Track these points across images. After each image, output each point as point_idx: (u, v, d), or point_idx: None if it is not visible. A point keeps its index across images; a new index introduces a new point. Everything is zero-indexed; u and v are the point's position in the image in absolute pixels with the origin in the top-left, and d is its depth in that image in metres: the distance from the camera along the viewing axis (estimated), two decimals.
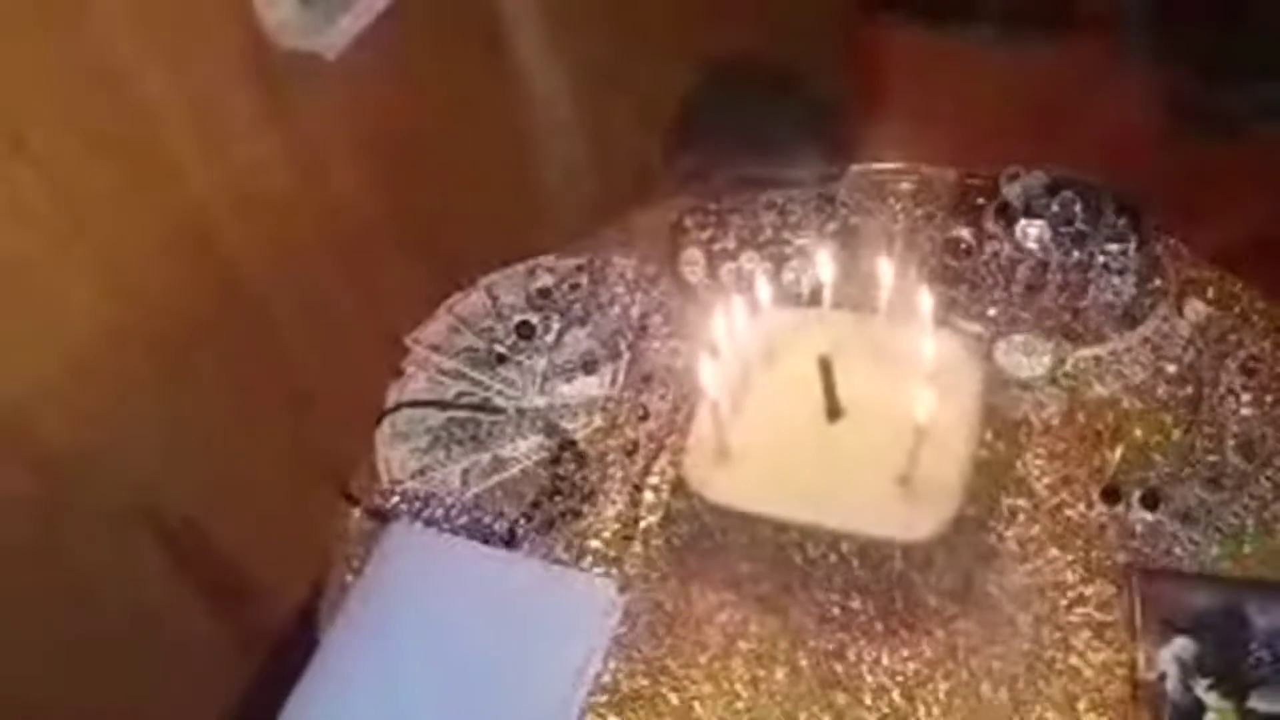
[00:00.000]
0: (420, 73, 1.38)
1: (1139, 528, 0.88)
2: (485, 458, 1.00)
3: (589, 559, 0.93)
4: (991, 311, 1.01)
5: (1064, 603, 0.85)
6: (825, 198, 1.09)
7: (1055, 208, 1.01)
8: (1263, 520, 0.87)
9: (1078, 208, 1.01)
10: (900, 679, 0.84)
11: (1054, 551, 0.88)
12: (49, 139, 1.02)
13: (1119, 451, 0.92)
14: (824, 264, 0.95)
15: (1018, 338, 0.98)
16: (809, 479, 0.89)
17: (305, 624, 0.96)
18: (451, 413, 1.03)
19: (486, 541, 0.95)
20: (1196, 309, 0.99)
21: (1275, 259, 1.12)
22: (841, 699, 0.83)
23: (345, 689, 0.89)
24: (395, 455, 1.01)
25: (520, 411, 1.02)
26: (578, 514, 0.95)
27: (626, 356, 1.04)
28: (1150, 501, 0.89)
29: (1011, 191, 1.03)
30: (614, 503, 0.96)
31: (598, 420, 1.01)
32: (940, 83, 1.62)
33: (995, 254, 1.02)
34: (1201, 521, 0.87)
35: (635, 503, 0.95)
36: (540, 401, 1.02)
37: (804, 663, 0.85)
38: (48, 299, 1.08)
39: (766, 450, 0.91)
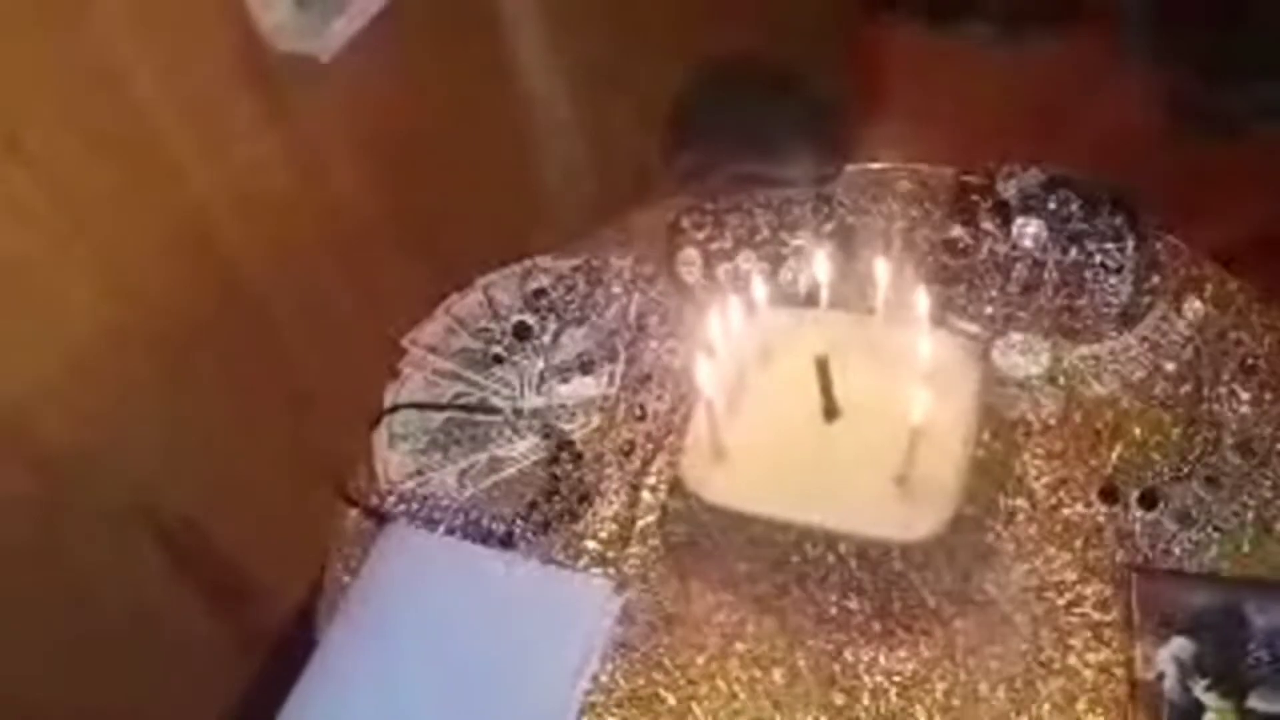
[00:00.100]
0: (420, 73, 1.38)
1: (1137, 527, 0.88)
2: (482, 458, 1.00)
3: (586, 559, 0.93)
4: (989, 311, 1.01)
5: (1062, 603, 0.85)
6: (822, 197, 1.09)
7: (1052, 206, 1.01)
8: (1261, 519, 0.87)
9: (1075, 206, 1.00)
10: (898, 679, 0.83)
11: (1052, 551, 0.88)
12: (48, 139, 1.02)
13: (1117, 451, 0.92)
14: (821, 264, 0.95)
15: (1015, 337, 0.98)
16: (806, 479, 0.89)
17: (305, 624, 0.96)
18: (448, 414, 1.03)
19: (484, 542, 0.95)
20: (1195, 308, 0.98)
21: (1275, 258, 1.12)
22: (839, 699, 0.83)
23: (343, 690, 0.89)
24: (393, 456, 1.01)
25: (517, 412, 1.02)
26: (575, 514, 0.95)
27: (623, 357, 1.04)
28: (1149, 501, 0.88)
29: (1008, 190, 1.03)
30: (611, 503, 0.96)
31: (595, 421, 1.01)
32: (940, 82, 1.62)
33: (992, 253, 1.02)
34: (1200, 521, 0.87)
35: (633, 503, 0.95)
36: (537, 402, 1.02)
37: (802, 663, 0.85)
38: (48, 299, 1.08)
39: (764, 450, 0.91)
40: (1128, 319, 0.99)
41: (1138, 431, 0.93)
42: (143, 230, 1.14)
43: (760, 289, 0.94)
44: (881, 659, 0.85)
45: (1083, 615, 0.84)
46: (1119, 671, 0.81)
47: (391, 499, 0.99)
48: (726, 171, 1.11)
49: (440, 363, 1.07)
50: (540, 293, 1.10)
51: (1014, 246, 1.01)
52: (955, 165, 1.11)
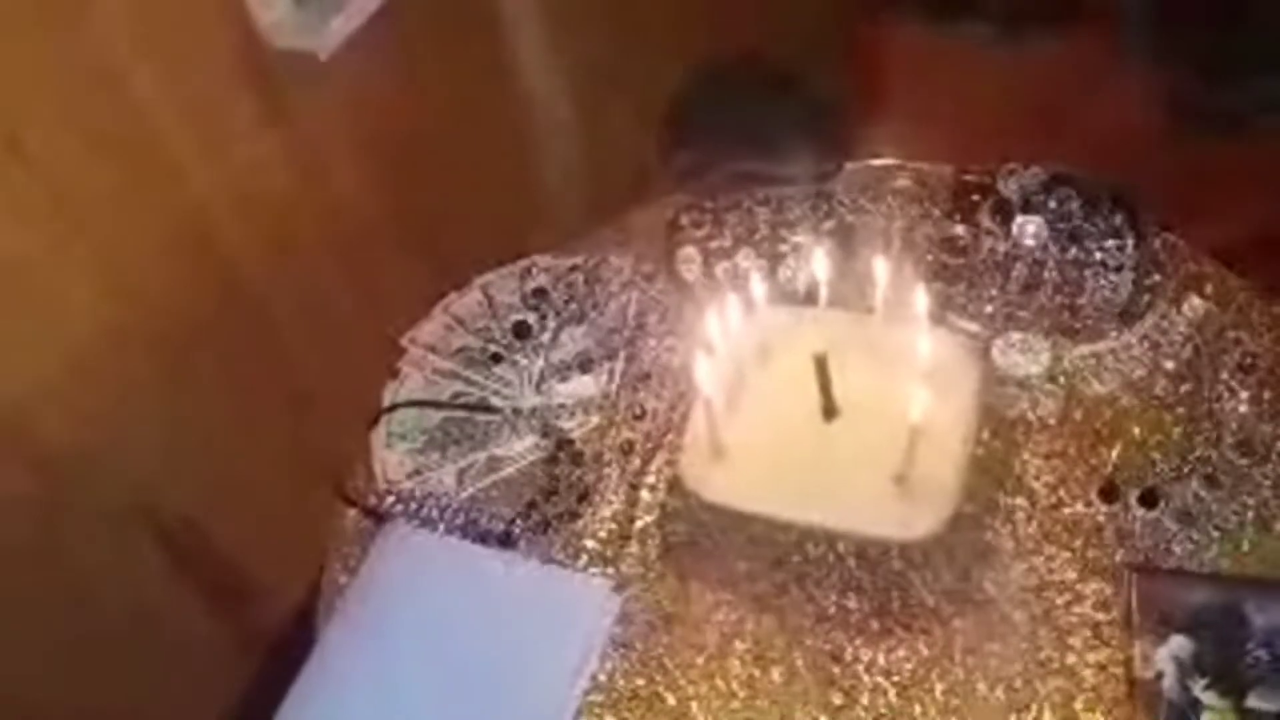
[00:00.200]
0: (419, 73, 1.38)
1: (1137, 526, 0.88)
2: (481, 458, 1.00)
3: (585, 558, 0.93)
4: (988, 309, 1.01)
5: (1061, 602, 0.85)
6: (821, 195, 1.09)
7: (1052, 204, 1.01)
8: (1261, 518, 0.87)
9: (1075, 204, 1.01)
10: (897, 678, 0.83)
11: (1051, 550, 0.88)
12: (48, 139, 1.02)
13: (1117, 450, 0.92)
14: (820, 262, 0.95)
15: (1015, 336, 0.98)
16: (805, 478, 0.89)
17: (305, 624, 0.96)
18: (447, 413, 1.03)
19: (483, 541, 0.95)
20: (1195, 306, 0.98)
21: (1275, 257, 1.12)
22: (838, 698, 0.83)
23: (341, 690, 0.89)
24: (391, 456, 1.01)
25: (516, 411, 1.02)
26: (574, 514, 0.95)
27: (623, 355, 1.04)
28: (1148, 500, 0.88)
29: (1008, 188, 1.03)
30: (610, 502, 0.96)
31: (594, 419, 1.01)
32: (940, 82, 1.62)
33: (992, 251, 1.02)
34: (1199, 520, 0.87)
35: (632, 502, 0.95)
36: (536, 401, 1.02)
37: (800, 662, 0.85)
38: (48, 299, 1.08)
39: (763, 449, 0.91)
40: (1128, 317, 0.99)
41: (1137, 430, 0.93)
42: (143, 230, 1.14)
43: (759, 287, 0.94)
44: (880, 658, 0.85)
45: (1082, 614, 0.84)
46: (1118, 670, 0.81)
47: (390, 498, 0.99)
48: (725, 170, 1.11)
49: (439, 362, 1.07)
50: (539, 291, 1.10)
51: (1014, 245, 1.01)
52: (955, 164, 1.11)
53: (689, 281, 1.08)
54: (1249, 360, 0.95)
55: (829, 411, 0.91)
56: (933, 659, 0.84)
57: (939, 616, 0.86)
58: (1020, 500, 0.91)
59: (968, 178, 1.08)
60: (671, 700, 0.85)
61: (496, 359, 1.06)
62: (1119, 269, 0.99)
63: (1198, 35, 1.53)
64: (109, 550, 1.19)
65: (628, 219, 1.16)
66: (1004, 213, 1.02)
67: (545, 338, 1.06)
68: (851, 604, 0.87)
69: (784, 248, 1.07)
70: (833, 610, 0.87)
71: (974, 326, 1.00)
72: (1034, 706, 0.81)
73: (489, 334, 1.08)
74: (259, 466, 1.32)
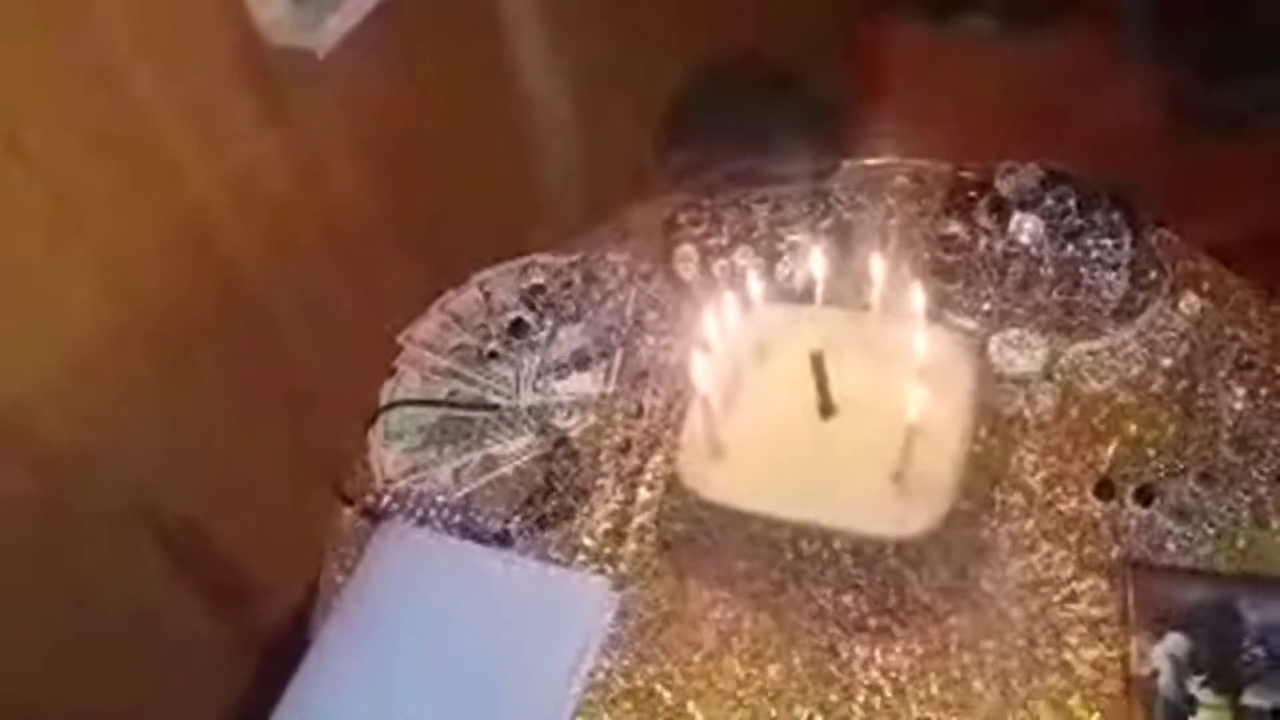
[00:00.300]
0: (419, 72, 1.38)
1: (1133, 523, 0.88)
2: (478, 456, 1.00)
3: (583, 556, 0.93)
4: (985, 307, 1.01)
5: (1057, 599, 0.85)
6: (818, 193, 1.09)
7: (1049, 202, 1.01)
8: (1257, 515, 0.86)
9: (1071, 202, 1.01)
10: (893, 675, 0.83)
11: (1047, 547, 0.88)
12: (48, 139, 1.02)
13: (1113, 447, 0.92)
14: (817, 260, 0.95)
15: (1011, 333, 0.98)
16: (802, 476, 0.89)
17: (305, 624, 0.96)
18: (444, 411, 1.03)
19: (480, 540, 0.95)
20: (1191, 303, 0.98)
21: (1274, 256, 1.12)
22: (835, 695, 0.83)
23: (338, 688, 0.89)
24: (388, 454, 1.01)
25: (513, 409, 1.02)
26: (571, 512, 0.95)
27: (620, 353, 1.04)
28: (1144, 497, 0.88)
29: (1005, 186, 1.03)
30: (608, 500, 0.96)
31: (591, 418, 1.01)
32: (940, 79, 1.62)
33: (989, 249, 1.02)
34: (1195, 517, 0.87)
35: (629, 500, 0.95)
36: (533, 399, 1.02)
37: (797, 660, 0.85)
38: (48, 299, 1.08)
39: (760, 447, 0.91)
40: (1124, 315, 0.99)
41: (1134, 427, 0.93)
42: (143, 230, 1.15)
43: (756, 285, 0.95)
44: (877, 655, 0.85)
45: (1078, 611, 0.84)
46: (1114, 668, 0.81)
47: (387, 497, 0.99)
48: (723, 168, 1.11)
49: (436, 360, 1.07)
50: (537, 289, 1.10)
51: (1011, 242, 1.01)
52: (954, 162, 1.11)
53: (686, 280, 1.08)
54: (1245, 358, 0.95)
55: (826, 409, 0.91)
56: (929, 656, 0.84)
57: (935, 614, 0.86)
58: (1017, 497, 0.91)
59: (965, 175, 1.08)
60: (669, 698, 0.85)
61: (494, 357, 1.06)
62: (1116, 267, 0.99)
63: (1197, 35, 1.53)
64: (109, 550, 1.19)
65: (626, 217, 1.16)
66: (1001, 210, 1.02)
67: (543, 335, 1.06)
68: (848, 602, 0.87)
69: (781, 246, 1.07)
70: (830, 608, 0.87)
71: (971, 324, 1.00)
72: (1030, 703, 0.80)
73: (486, 332, 1.08)
74: (259, 466, 1.32)
